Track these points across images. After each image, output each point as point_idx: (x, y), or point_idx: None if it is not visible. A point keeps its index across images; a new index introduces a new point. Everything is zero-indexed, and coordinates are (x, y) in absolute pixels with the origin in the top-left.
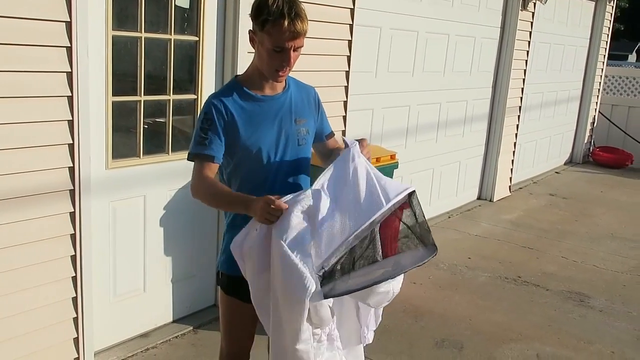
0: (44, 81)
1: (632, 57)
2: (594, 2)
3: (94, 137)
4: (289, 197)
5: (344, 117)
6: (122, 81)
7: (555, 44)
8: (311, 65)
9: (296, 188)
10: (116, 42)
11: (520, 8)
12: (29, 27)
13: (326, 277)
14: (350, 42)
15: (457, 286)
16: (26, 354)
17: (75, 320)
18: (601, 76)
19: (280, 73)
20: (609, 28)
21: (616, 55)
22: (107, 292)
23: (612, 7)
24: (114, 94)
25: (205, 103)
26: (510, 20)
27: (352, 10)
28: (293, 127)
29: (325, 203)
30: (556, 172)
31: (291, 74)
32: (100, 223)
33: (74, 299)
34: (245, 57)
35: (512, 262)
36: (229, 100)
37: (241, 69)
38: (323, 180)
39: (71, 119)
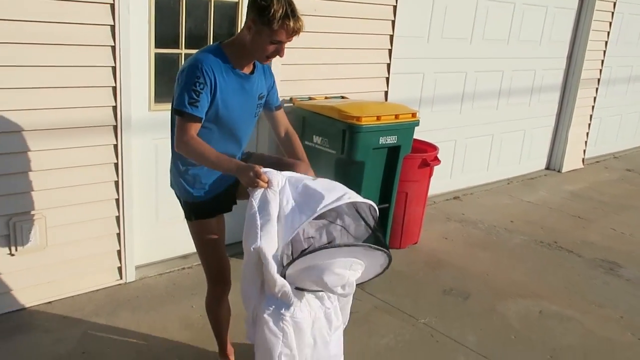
0: (92, 33)
1: None
2: None
3: (136, 83)
4: (270, 171)
5: (387, 79)
6: (165, 37)
7: None
8: (356, 28)
9: (245, 141)
10: (159, 1)
11: None
12: None
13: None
14: (395, 7)
15: (488, 245)
16: (81, 257)
17: (118, 235)
18: None
19: (270, 59)
20: None
21: None
22: (150, 216)
23: None
24: (156, 47)
25: (195, 62)
26: None
27: None
28: (255, 102)
29: (288, 192)
30: None
31: (328, 36)
32: (145, 157)
33: (117, 218)
34: None
35: (555, 228)
36: (215, 67)
37: None
38: (295, 176)
39: (114, 65)
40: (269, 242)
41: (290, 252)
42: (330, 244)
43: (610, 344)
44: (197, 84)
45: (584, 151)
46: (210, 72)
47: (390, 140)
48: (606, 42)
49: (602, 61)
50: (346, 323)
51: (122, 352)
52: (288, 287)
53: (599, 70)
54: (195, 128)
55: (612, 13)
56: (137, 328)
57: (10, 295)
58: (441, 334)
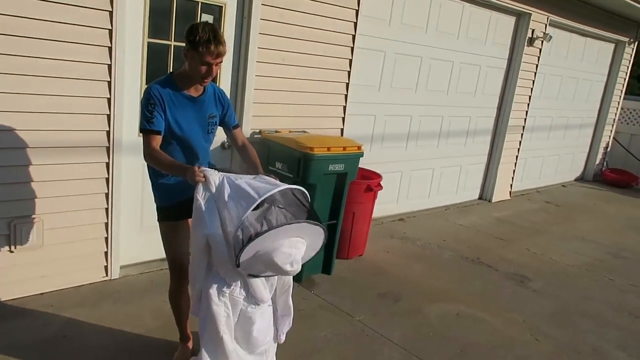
0: (92, 69)
1: None
2: (614, 44)
3: (128, 112)
4: (207, 169)
5: (343, 119)
6: (155, 75)
7: (567, 77)
8: (317, 75)
9: (204, 154)
10: (151, 46)
11: (526, 44)
12: (85, 32)
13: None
14: (350, 60)
15: (422, 258)
16: (72, 256)
17: (106, 239)
18: (617, 108)
19: (206, 80)
20: (628, 67)
21: None
22: (136, 223)
23: (632, 49)
24: (147, 83)
25: (148, 89)
26: (517, 54)
27: (354, 37)
28: (206, 120)
29: (227, 188)
30: (562, 186)
31: (294, 81)
32: (133, 174)
33: (106, 224)
34: (254, 66)
35: (480, 247)
36: (163, 90)
37: (250, 77)
38: (231, 174)
39: (109, 97)
40: (215, 229)
41: (240, 240)
42: (278, 225)
43: (512, 342)
44: (149, 105)
45: (511, 185)
46: (158, 95)
47: (339, 167)
48: (530, 97)
49: (527, 112)
50: (291, 314)
51: (99, 336)
52: (230, 268)
53: (523, 119)
54: (155, 140)
55: (535, 73)
56: (115, 317)
57: (8, 286)
58: (372, 329)
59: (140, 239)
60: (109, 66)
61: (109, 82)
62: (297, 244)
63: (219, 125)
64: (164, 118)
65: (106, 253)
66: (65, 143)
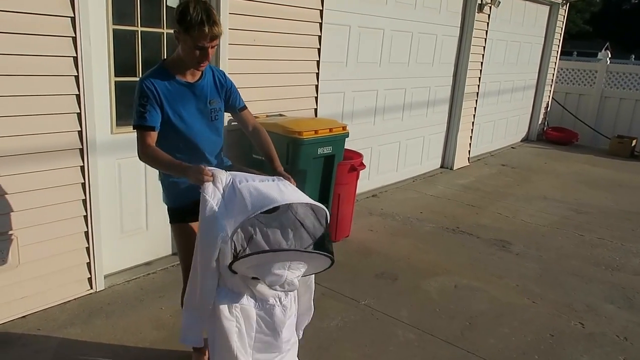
0: (56, 64)
1: (602, 55)
2: (549, 7)
3: (100, 109)
4: (214, 168)
5: (316, 98)
6: (123, 66)
7: (511, 41)
8: (289, 55)
9: (212, 148)
10: (117, 34)
11: (476, 11)
12: (45, 22)
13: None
14: (320, 37)
15: (405, 233)
16: (52, 272)
17: (87, 249)
18: (554, 69)
19: (201, 65)
20: (562, 28)
21: (589, 53)
22: (116, 229)
23: (565, 10)
24: (116, 75)
25: (139, 82)
26: (468, 21)
27: (321, 12)
28: (207, 107)
29: (233, 188)
30: (512, 147)
31: (266, 62)
32: (109, 176)
33: (86, 233)
34: (227, 48)
35: (455, 216)
36: (157, 82)
37: (223, 61)
38: (240, 175)
39: (78, 93)
40: (229, 231)
41: (240, 242)
42: (273, 249)
43: (513, 308)
44: (141, 99)
45: (469, 151)
46: (151, 86)
47: (327, 150)
48: (481, 63)
49: (479, 78)
50: (311, 313)
51: (99, 357)
52: (235, 276)
53: (477, 86)
54: (150, 137)
55: (485, 39)
56: (112, 333)
57: None
58: (379, 312)
59: (121, 245)
60: (75, 59)
61: (77, 77)
62: (292, 265)
63: (225, 111)
64: (159, 112)
65: (89, 264)
66: (33, 149)
